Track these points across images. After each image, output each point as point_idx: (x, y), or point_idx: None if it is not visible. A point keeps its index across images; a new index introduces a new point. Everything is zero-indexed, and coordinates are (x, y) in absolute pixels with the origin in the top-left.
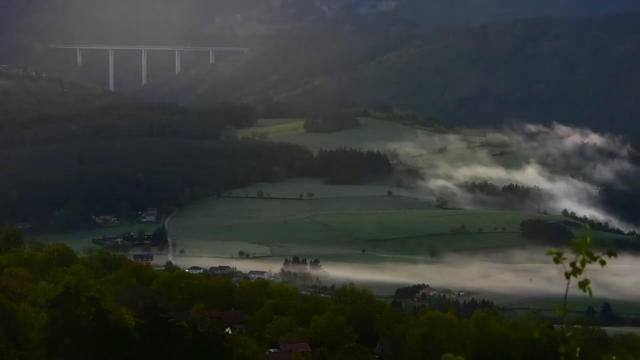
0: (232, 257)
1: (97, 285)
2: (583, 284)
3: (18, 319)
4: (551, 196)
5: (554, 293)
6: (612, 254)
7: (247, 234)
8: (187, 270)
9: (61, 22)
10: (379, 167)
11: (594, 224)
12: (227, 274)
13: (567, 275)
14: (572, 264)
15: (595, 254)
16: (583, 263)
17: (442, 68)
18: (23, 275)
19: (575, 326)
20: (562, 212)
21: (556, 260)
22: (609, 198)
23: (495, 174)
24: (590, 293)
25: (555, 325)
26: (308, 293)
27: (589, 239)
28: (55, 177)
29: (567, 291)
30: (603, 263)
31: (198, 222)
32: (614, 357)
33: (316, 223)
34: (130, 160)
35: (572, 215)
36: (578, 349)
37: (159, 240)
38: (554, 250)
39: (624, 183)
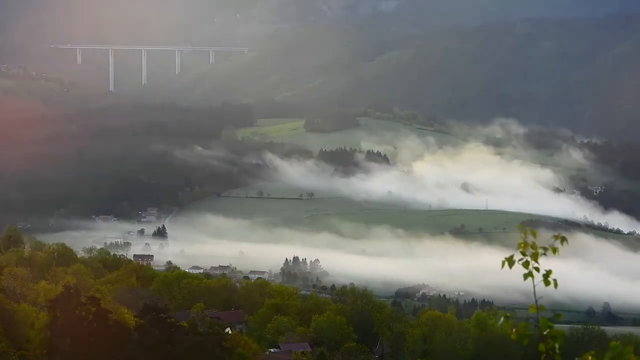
0: (232, 257)
1: (97, 285)
2: (546, 277)
3: (18, 319)
4: (551, 196)
5: (554, 293)
6: (562, 240)
7: (247, 234)
8: (187, 270)
9: (61, 22)
10: (378, 166)
11: (593, 224)
12: (227, 274)
13: (525, 277)
14: (525, 263)
15: (543, 246)
16: (535, 258)
17: (442, 68)
18: (23, 275)
19: (554, 324)
20: (562, 212)
21: (510, 265)
22: (608, 198)
23: (494, 173)
24: (556, 285)
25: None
26: (308, 293)
27: (531, 233)
28: (55, 177)
29: (534, 289)
30: (555, 250)
31: (198, 222)
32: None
33: (316, 223)
34: (130, 160)
35: (572, 215)
36: (557, 345)
37: (159, 240)
38: (507, 258)
39: (624, 183)
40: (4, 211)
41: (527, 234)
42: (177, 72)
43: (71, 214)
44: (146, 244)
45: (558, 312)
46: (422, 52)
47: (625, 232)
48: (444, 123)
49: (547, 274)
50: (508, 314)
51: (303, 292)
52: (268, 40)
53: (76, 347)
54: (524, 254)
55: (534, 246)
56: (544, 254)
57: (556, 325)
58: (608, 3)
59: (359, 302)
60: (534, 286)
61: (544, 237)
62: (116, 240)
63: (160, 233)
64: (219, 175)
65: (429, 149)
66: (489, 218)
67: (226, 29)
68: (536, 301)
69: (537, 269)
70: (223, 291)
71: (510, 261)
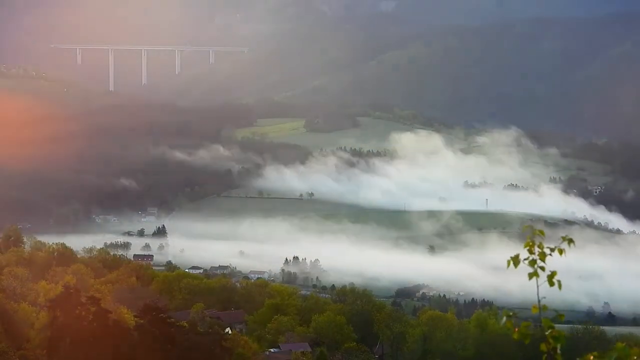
0: (232, 257)
1: (97, 285)
2: (550, 278)
3: (18, 319)
4: (551, 196)
5: (553, 292)
6: (570, 242)
7: (247, 234)
8: (187, 270)
9: (61, 22)
10: (378, 166)
11: (593, 224)
12: (227, 274)
13: (530, 276)
14: (532, 261)
15: (549, 246)
16: (542, 258)
17: (442, 68)
18: (23, 275)
19: (556, 324)
20: (562, 212)
21: (515, 264)
22: (608, 198)
23: (494, 173)
24: (560, 286)
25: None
26: (308, 293)
27: (539, 233)
28: (55, 177)
29: (538, 289)
30: (561, 252)
31: (198, 222)
32: (592, 357)
33: (316, 222)
34: (130, 160)
35: (572, 215)
36: (559, 346)
37: (159, 240)
38: (512, 257)
39: (624, 183)
40: (4, 211)
41: (535, 234)
42: (177, 72)
43: (71, 214)
44: (146, 244)
45: (560, 312)
46: (422, 52)
47: (625, 232)
48: (444, 123)
49: (552, 274)
50: (510, 313)
51: (303, 292)
52: (268, 40)
53: (76, 347)
54: (531, 252)
55: (540, 246)
56: (550, 254)
57: (557, 326)
58: (608, 3)
59: (359, 302)
60: (538, 286)
61: (546, 237)
62: (116, 240)
63: (160, 233)
64: (219, 175)
65: (429, 149)
66: (489, 218)
67: (226, 29)
68: (539, 301)
69: (543, 269)
70: (223, 291)
71: (515, 260)
